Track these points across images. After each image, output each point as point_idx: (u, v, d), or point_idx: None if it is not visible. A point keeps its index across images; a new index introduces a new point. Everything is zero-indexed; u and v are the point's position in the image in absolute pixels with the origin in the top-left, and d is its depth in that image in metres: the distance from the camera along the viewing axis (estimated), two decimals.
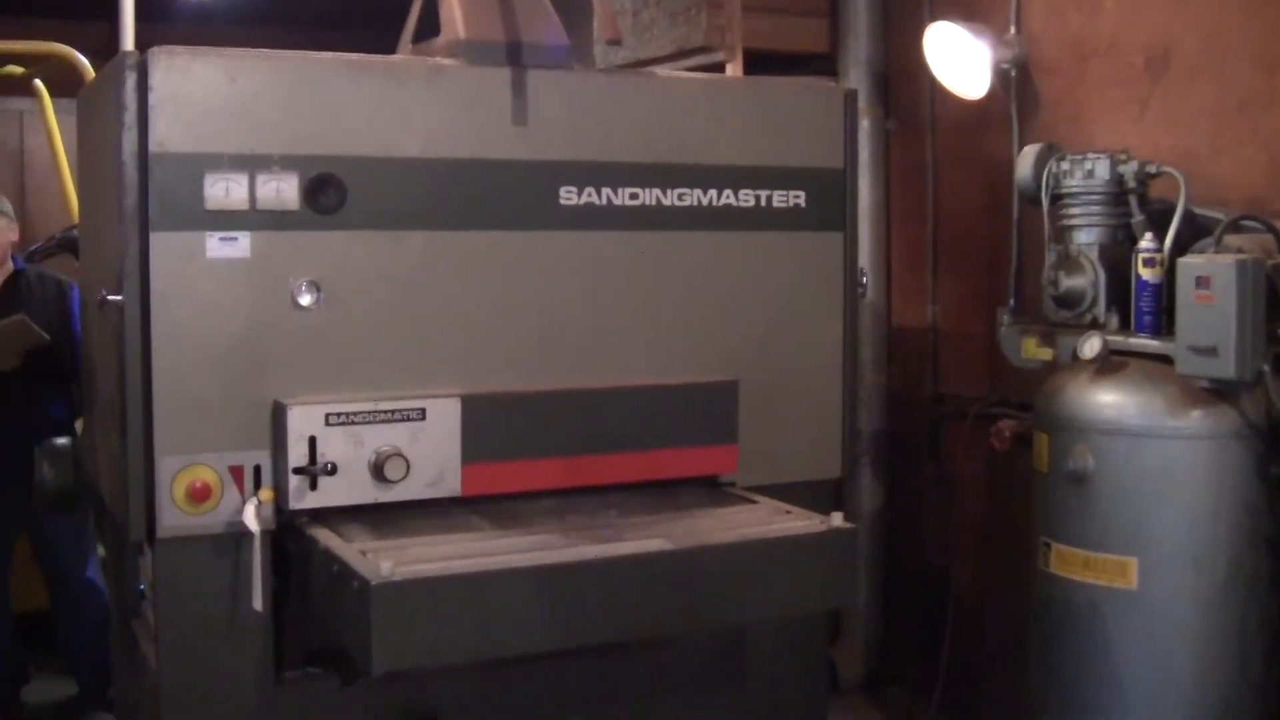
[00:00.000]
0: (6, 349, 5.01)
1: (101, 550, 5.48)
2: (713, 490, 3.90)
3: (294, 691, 3.60)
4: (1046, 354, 4.33)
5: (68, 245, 5.85)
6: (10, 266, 5.41)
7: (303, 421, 3.38)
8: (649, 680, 3.99)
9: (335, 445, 3.41)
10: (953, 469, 5.44)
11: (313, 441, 3.39)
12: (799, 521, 3.54)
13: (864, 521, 5.65)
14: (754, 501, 3.79)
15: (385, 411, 3.46)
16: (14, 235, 5.45)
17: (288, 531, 3.48)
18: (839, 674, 5.70)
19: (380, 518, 3.48)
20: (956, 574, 5.28)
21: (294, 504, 3.39)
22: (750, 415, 3.94)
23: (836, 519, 3.46)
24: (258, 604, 3.39)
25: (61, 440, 4.42)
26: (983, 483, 5.29)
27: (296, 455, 3.38)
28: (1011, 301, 4.84)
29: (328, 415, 3.40)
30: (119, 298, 3.40)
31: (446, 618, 3.00)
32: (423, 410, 3.50)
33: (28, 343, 5.04)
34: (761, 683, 4.17)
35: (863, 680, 5.79)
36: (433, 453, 3.51)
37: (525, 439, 3.63)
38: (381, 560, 2.97)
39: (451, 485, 3.54)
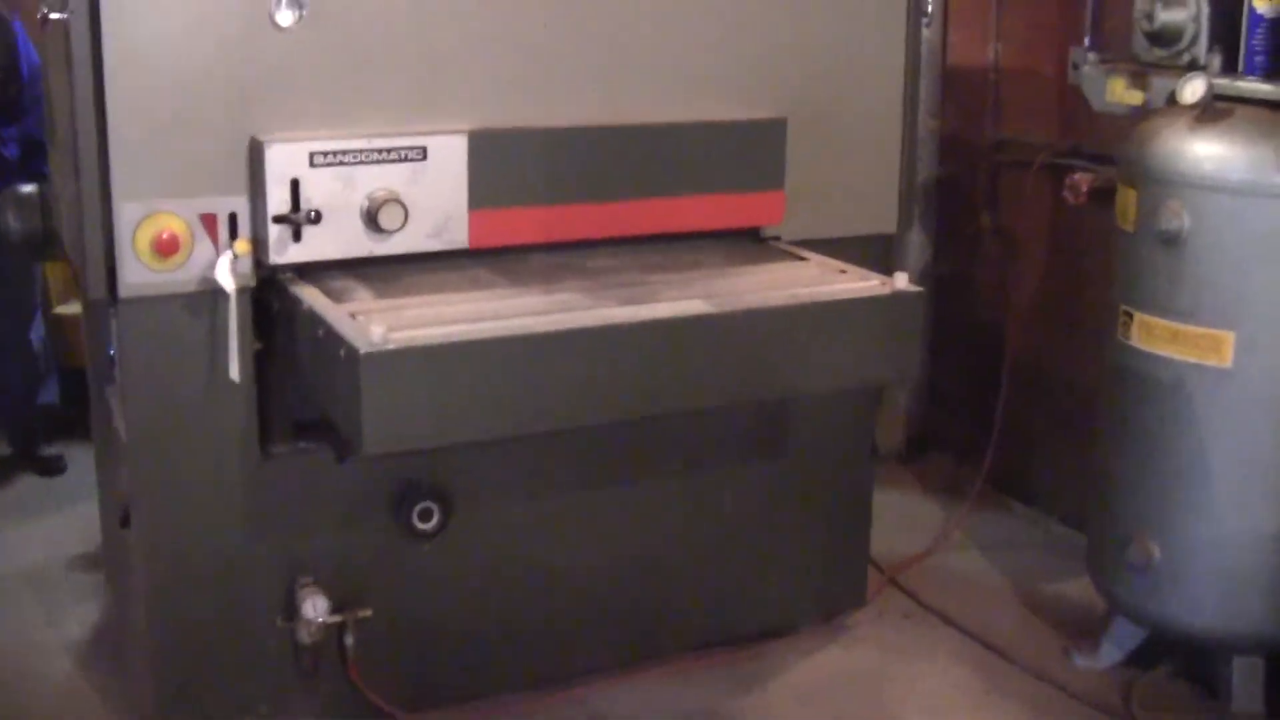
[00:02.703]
0: None
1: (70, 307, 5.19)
2: (756, 244, 3.44)
3: (282, 467, 3.22)
4: (1136, 97, 3.78)
5: None
6: None
7: (283, 161, 2.90)
8: (681, 451, 3.61)
9: (322, 189, 2.94)
10: (1012, 222, 4.95)
11: (295, 185, 2.92)
12: (856, 282, 3.08)
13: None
14: (803, 258, 3.33)
15: (379, 150, 2.98)
16: None
17: (270, 288, 3.04)
18: (876, 442, 5.32)
19: (376, 273, 3.04)
20: (1012, 336, 4.83)
21: (275, 257, 2.94)
22: (798, 160, 3.45)
23: (900, 280, 3.00)
24: (235, 373, 2.97)
25: (28, 186, 3.95)
26: (1046, 238, 4.81)
27: (276, 201, 2.91)
28: (1087, 38, 4.26)
29: (312, 154, 2.92)
30: (63, 15, 2.89)
31: (449, 391, 2.57)
32: (423, 148, 3.02)
33: None
34: (804, 452, 3.78)
35: (903, 448, 5.41)
36: (435, 198, 3.04)
37: (542, 183, 3.16)
38: (373, 324, 2.53)
39: (457, 236, 3.08)
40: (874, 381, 3.18)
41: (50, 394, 5.25)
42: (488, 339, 2.58)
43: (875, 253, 3.68)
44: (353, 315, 2.71)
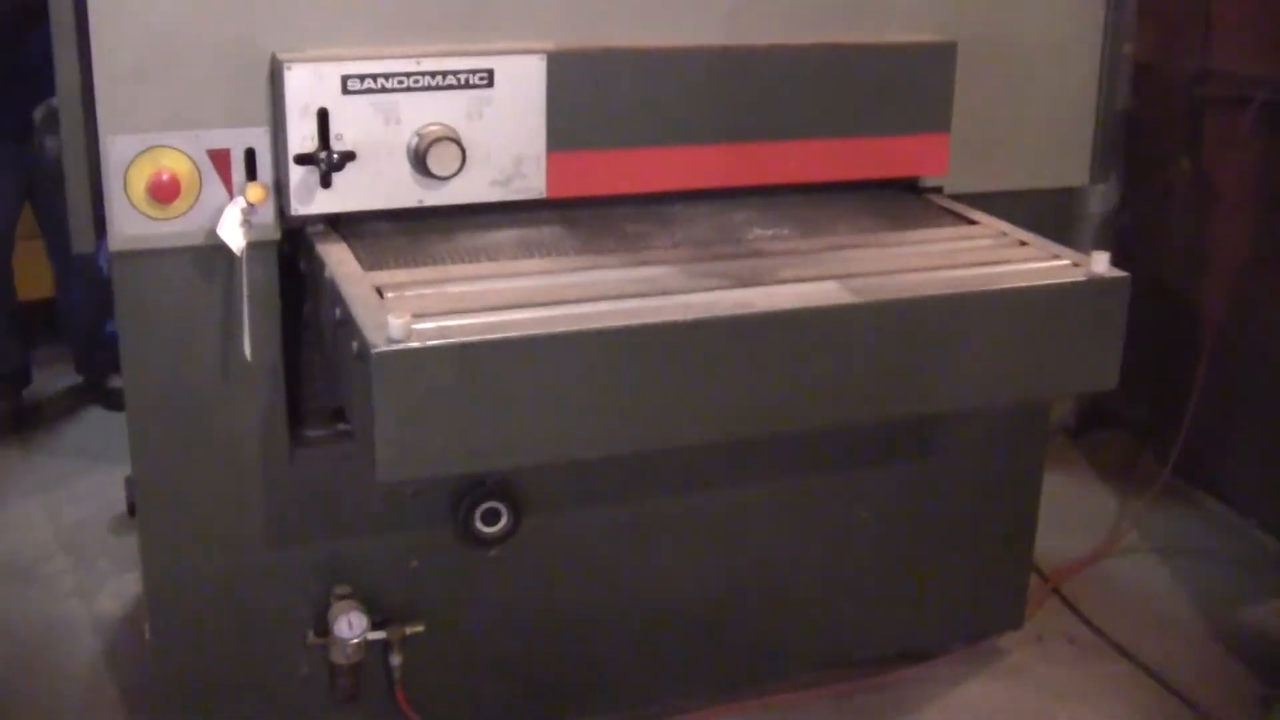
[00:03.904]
0: None
1: None
2: (912, 199, 2.76)
3: (316, 456, 2.64)
4: None
5: None
6: None
7: (308, 87, 2.29)
8: (802, 446, 2.95)
9: (358, 123, 2.32)
10: (1217, 169, 4.16)
11: (323, 116, 2.30)
12: (1042, 261, 2.38)
13: (1088, 228, 4.44)
14: (970, 220, 2.64)
15: (432, 74, 2.35)
16: None
17: (299, 241, 2.45)
18: None
19: (426, 229, 2.43)
20: (1212, 304, 4.07)
21: (297, 207, 2.34)
22: (967, 93, 2.75)
23: (1099, 262, 2.30)
24: (247, 350, 2.39)
25: None
26: (1260, 192, 4.02)
27: (300, 137, 2.30)
28: None
29: (345, 78, 2.30)
30: None
31: (491, 403, 1.95)
32: (489, 73, 2.38)
33: None
34: (956, 445, 3.11)
35: (1072, 421, 4.69)
36: (503, 136, 2.41)
37: (641, 118, 2.50)
38: (394, 310, 1.92)
39: (531, 184, 2.45)
40: (1061, 392, 2.49)
41: None
42: (543, 336, 1.95)
43: (1055, 209, 3.00)
44: (380, 291, 2.10)
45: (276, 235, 2.42)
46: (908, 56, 2.67)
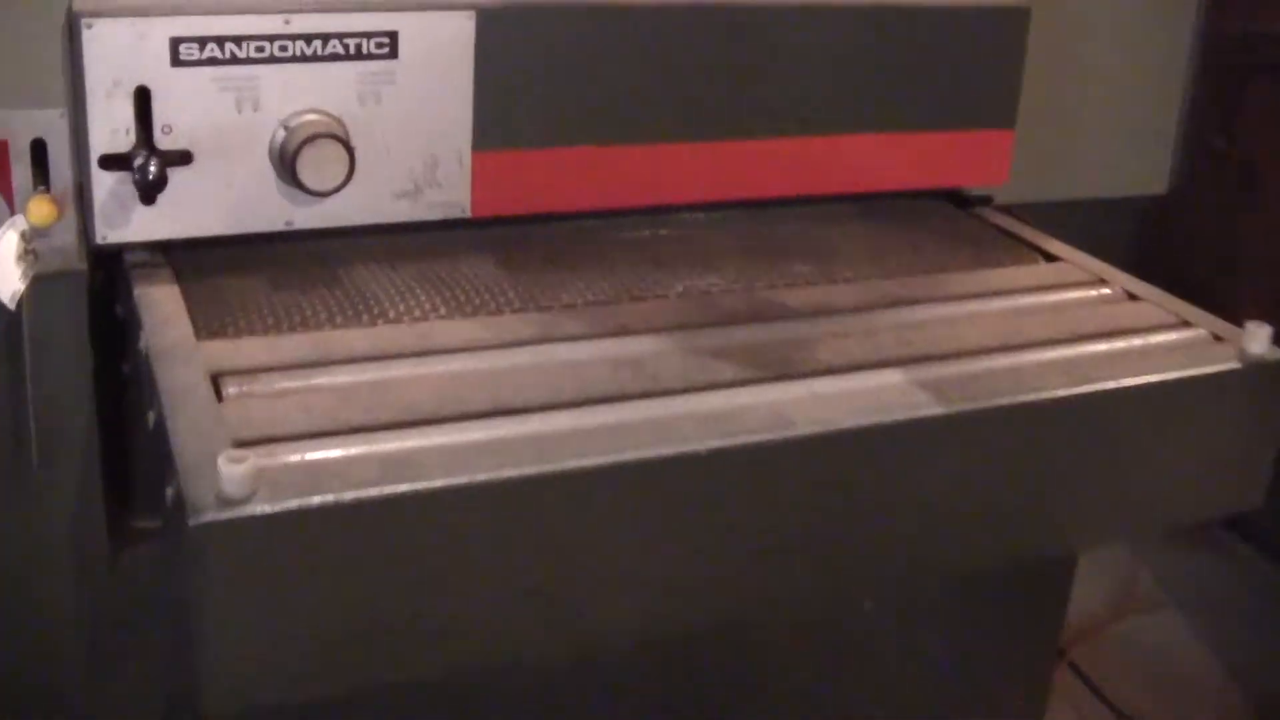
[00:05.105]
0: None
1: None
2: (959, 216, 2.07)
3: (147, 556, 1.91)
4: None
5: None
6: None
7: (122, 53, 1.54)
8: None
9: (196, 108, 1.58)
10: (1259, 150, 3.53)
11: (144, 98, 1.55)
12: (1171, 330, 1.70)
13: None
14: (1047, 253, 1.96)
15: (309, 38, 1.61)
16: None
17: (115, 273, 1.71)
18: None
19: (297, 264, 1.69)
20: (1246, 312, 3.46)
21: (105, 232, 1.59)
22: (1030, 78, 2.07)
23: (1258, 339, 1.63)
24: (34, 448, 1.65)
25: None
26: None
27: (109, 129, 1.56)
28: None
29: (178, 42, 1.55)
30: None
31: (391, 592, 1.23)
32: (391, 36, 1.64)
33: None
34: None
35: None
36: (410, 128, 1.68)
37: (602, 103, 1.78)
38: (232, 441, 1.19)
39: (451, 196, 1.73)
40: (1196, 519, 1.82)
41: None
42: (481, 485, 1.22)
43: (1122, 228, 2.40)
44: (217, 383, 1.37)
45: (82, 265, 1.68)
46: (964, 25, 1.96)
